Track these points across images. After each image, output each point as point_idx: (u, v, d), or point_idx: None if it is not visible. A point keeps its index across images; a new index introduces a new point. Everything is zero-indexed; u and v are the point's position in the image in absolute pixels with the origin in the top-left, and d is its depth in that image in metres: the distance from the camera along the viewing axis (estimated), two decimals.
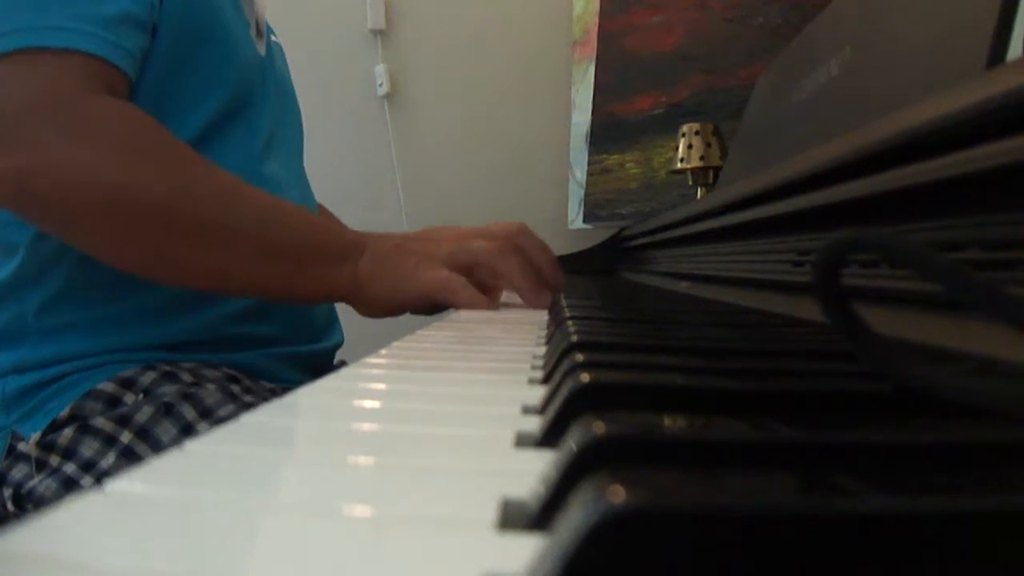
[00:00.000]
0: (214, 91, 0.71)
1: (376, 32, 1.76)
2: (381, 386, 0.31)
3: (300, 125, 0.90)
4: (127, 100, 0.64)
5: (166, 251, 0.63)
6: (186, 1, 0.68)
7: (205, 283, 0.66)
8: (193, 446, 0.20)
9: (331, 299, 0.73)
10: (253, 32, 0.78)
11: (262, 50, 0.79)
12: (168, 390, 0.65)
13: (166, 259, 0.63)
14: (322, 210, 1.03)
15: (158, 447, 0.62)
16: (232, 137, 0.73)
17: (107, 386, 0.65)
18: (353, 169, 1.74)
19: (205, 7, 0.70)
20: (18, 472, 0.64)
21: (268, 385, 0.72)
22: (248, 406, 0.64)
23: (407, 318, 0.73)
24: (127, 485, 0.17)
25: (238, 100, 0.73)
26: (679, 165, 1.30)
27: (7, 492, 0.64)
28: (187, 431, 0.62)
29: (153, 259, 0.64)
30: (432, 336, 0.47)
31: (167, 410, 0.63)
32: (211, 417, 0.63)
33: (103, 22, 0.61)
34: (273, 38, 0.88)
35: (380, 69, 1.76)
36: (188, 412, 0.63)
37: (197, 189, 0.62)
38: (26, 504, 0.63)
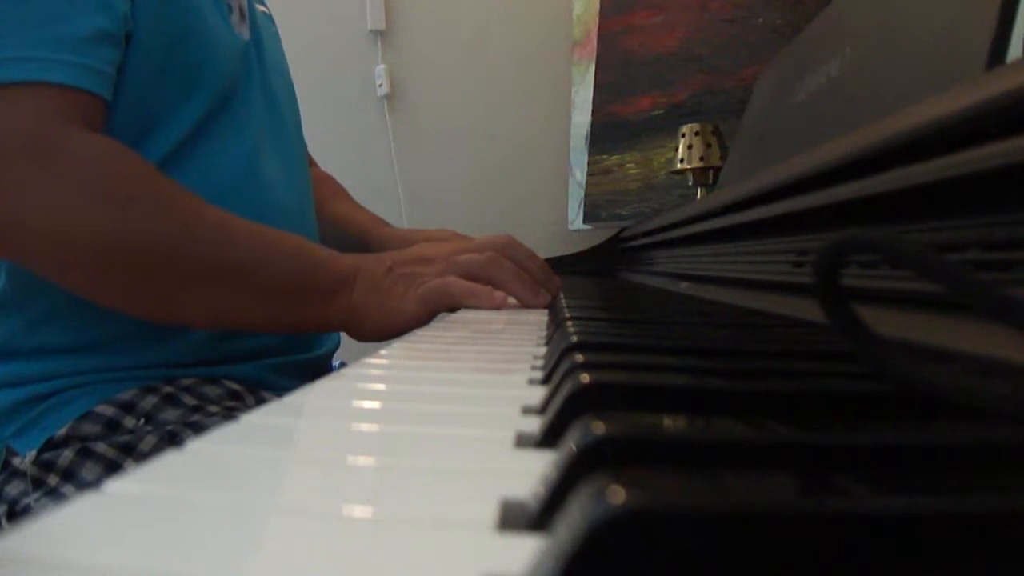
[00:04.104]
0: (197, 91, 0.69)
1: (376, 32, 1.76)
2: (381, 386, 0.31)
3: (295, 101, 0.88)
4: (105, 123, 0.63)
5: (158, 294, 0.62)
6: (160, 4, 0.66)
7: (198, 322, 0.66)
8: (193, 446, 0.20)
9: (326, 330, 0.72)
10: (236, 18, 0.76)
11: (246, 35, 0.77)
12: (170, 416, 0.64)
13: (158, 302, 0.63)
14: (330, 180, 1.02)
15: None
16: (222, 135, 0.71)
17: (106, 409, 0.64)
18: (353, 169, 1.73)
19: (180, 8, 0.68)
20: (13, 488, 0.63)
21: (270, 398, 0.72)
22: None
23: None
24: (126, 485, 0.17)
25: (223, 95, 0.72)
26: (679, 166, 1.30)
27: (2, 508, 0.63)
28: None
29: (145, 302, 0.63)
30: (432, 336, 0.47)
31: (171, 439, 0.63)
32: None
33: (72, 46, 0.58)
34: (262, 8, 0.85)
35: (380, 69, 1.76)
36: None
37: (186, 232, 0.61)
38: (21, 522, 0.62)
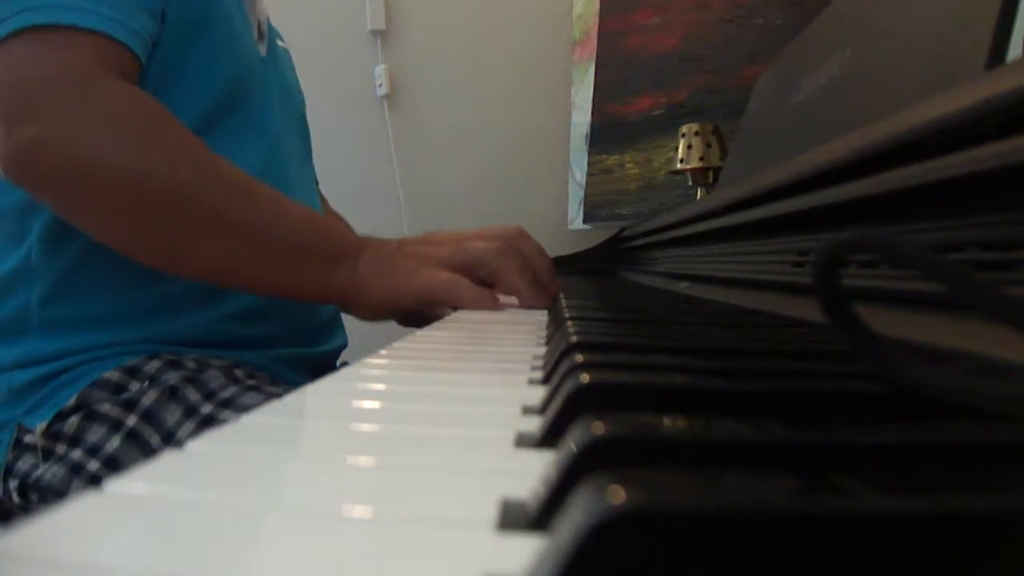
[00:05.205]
0: (213, 79, 0.71)
1: (376, 32, 1.76)
2: (381, 386, 0.31)
3: (307, 134, 0.91)
4: (137, 84, 0.65)
5: (167, 237, 0.63)
6: None
7: (202, 273, 0.66)
8: (193, 446, 0.20)
9: (327, 300, 0.73)
10: (255, 34, 0.79)
11: (263, 51, 0.80)
12: (173, 376, 0.66)
13: (166, 245, 0.64)
14: (332, 214, 1.03)
15: (163, 430, 0.63)
16: (238, 131, 0.73)
17: (112, 375, 0.66)
18: (353, 169, 1.74)
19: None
20: (24, 463, 0.64)
21: (270, 379, 0.72)
22: (251, 389, 0.65)
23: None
24: (126, 485, 0.17)
25: (238, 90, 0.73)
26: (679, 166, 1.29)
27: (12, 484, 0.64)
28: (192, 413, 0.63)
29: (153, 244, 0.64)
30: (432, 336, 0.47)
31: (172, 393, 0.64)
32: (215, 398, 0.64)
33: (119, 5, 0.62)
34: (281, 43, 0.89)
35: (380, 69, 1.76)
36: (192, 395, 0.64)
37: (204, 179, 0.62)
38: (31, 494, 0.63)
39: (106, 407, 0.64)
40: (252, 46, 0.77)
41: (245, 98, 0.74)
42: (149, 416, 0.63)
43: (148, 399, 0.64)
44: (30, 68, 0.59)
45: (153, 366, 0.67)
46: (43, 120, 0.59)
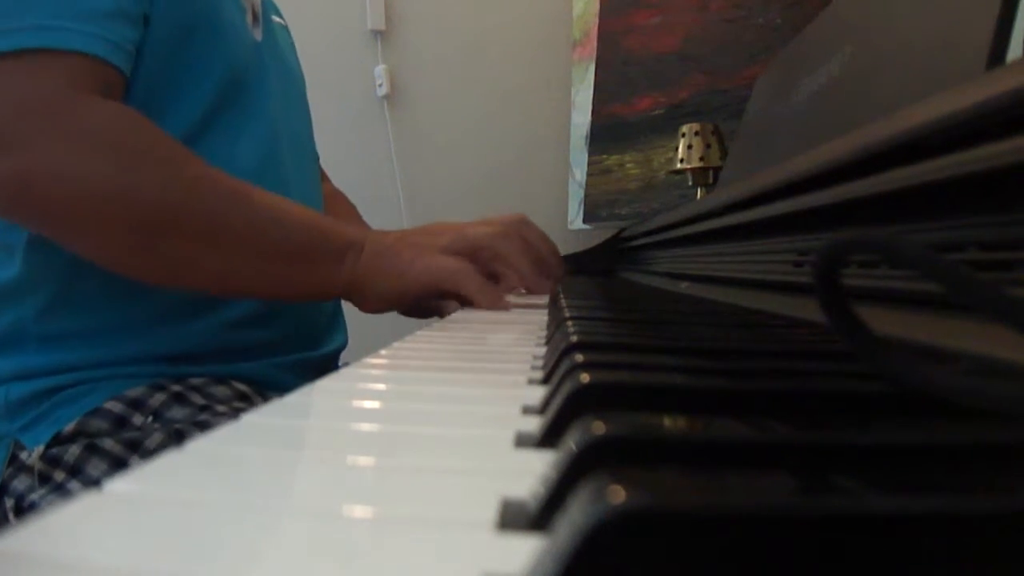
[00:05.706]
0: (208, 77, 0.70)
1: (376, 33, 1.76)
2: (381, 386, 0.31)
3: (307, 111, 0.89)
4: (122, 97, 0.64)
5: (164, 254, 0.62)
6: None
7: (204, 285, 0.66)
8: (193, 446, 0.20)
9: (331, 296, 0.72)
10: (249, 19, 0.77)
11: (258, 36, 0.78)
12: (178, 414, 0.64)
13: (164, 262, 0.63)
14: (340, 197, 1.02)
15: None
16: (236, 124, 0.72)
17: (114, 405, 0.65)
18: (353, 170, 1.73)
19: None
20: (20, 483, 0.63)
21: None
22: None
23: (409, 319, 0.72)
24: (126, 485, 0.17)
25: (235, 85, 0.72)
26: (679, 166, 1.29)
27: (9, 503, 0.63)
28: None
29: (151, 262, 0.63)
30: (432, 336, 0.47)
31: (179, 438, 0.63)
32: None
33: (95, 18, 0.60)
34: (278, 20, 0.87)
35: (380, 70, 1.76)
36: None
37: (195, 192, 0.61)
38: (28, 516, 0.62)
39: (108, 443, 0.63)
40: (246, 33, 0.75)
41: (242, 90, 0.73)
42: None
43: (152, 442, 0.62)
44: (10, 96, 0.58)
45: (157, 400, 0.65)
46: (22, 150, 0.57)
